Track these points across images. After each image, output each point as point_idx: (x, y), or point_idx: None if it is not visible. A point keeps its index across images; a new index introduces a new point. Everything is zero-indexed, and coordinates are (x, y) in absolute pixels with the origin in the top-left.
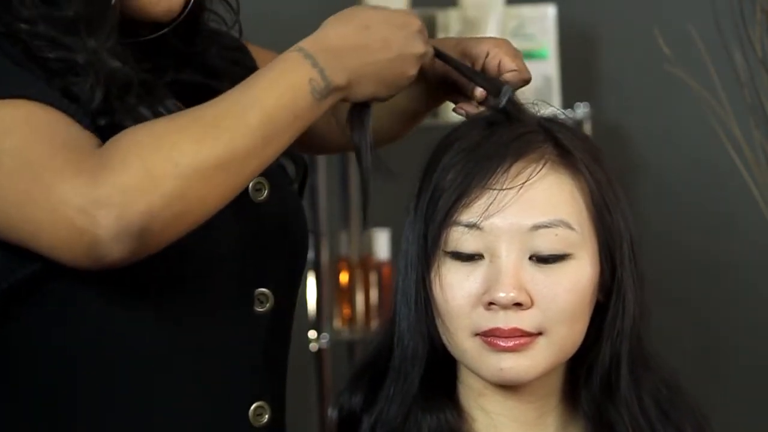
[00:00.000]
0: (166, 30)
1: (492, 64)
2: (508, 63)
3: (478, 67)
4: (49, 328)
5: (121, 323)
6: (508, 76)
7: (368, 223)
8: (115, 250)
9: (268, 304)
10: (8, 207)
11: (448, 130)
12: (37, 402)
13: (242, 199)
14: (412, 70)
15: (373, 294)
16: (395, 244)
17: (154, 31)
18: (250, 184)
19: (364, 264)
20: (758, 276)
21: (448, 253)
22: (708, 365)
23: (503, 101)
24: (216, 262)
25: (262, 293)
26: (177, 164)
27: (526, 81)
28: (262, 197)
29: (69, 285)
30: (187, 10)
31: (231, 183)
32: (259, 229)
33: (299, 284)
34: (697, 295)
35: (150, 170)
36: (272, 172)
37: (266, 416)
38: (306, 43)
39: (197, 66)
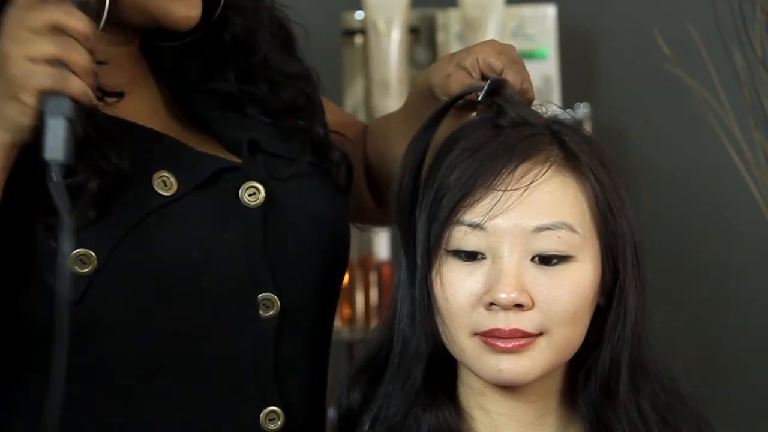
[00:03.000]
0: (187, 39)
1: (482, 68)
2: (493, 61)
3: (476, 76)
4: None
5: (128, 330)
6: (505, 74)
7: None
8: None
9: (274, 309)
10: None
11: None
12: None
13: (232, 205)
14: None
15: (373, 294)
16: (395, 244)
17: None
18: (243, 189)
19: (364, 264)
20: (758, 276)
21: (450, 252)
22: (708, 366)
23: (482, 95)
24: (213, 269)
25: (267, 298)
26: None
27: (520, 75)
28: (256, 202)
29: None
30: (215, 15)
31: None
32: (258, 234)
33: (318, 285)
34: (696, 296)
35: None
36: (277, 171)
37: (279, 422)
38: None
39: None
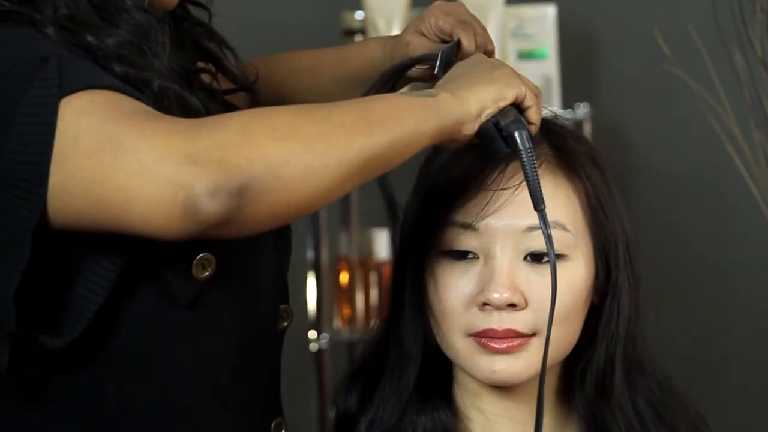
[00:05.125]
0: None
1: (435, 32)
2: (441, 24)
3: (434, 38)
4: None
5: (209, 340)
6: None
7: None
8: (212, 207)
9: (288, 320)
10: (92, 186)
11: None
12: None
13: None
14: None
15: (373, 294)
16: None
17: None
18: None
19: (364, 264)
20: (758, 276)
21: (443, 253)
22: (707, 366)
23: (437, 68)
24: (259, 276)
25: (284, 309)
26: (275, 128)
27: (471, 32)
28: None
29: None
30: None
31: (331, 168)
32: (284, 240)
33: None
34: (696, 296)
35: (248, 130)
36: None
37: (283, 431)
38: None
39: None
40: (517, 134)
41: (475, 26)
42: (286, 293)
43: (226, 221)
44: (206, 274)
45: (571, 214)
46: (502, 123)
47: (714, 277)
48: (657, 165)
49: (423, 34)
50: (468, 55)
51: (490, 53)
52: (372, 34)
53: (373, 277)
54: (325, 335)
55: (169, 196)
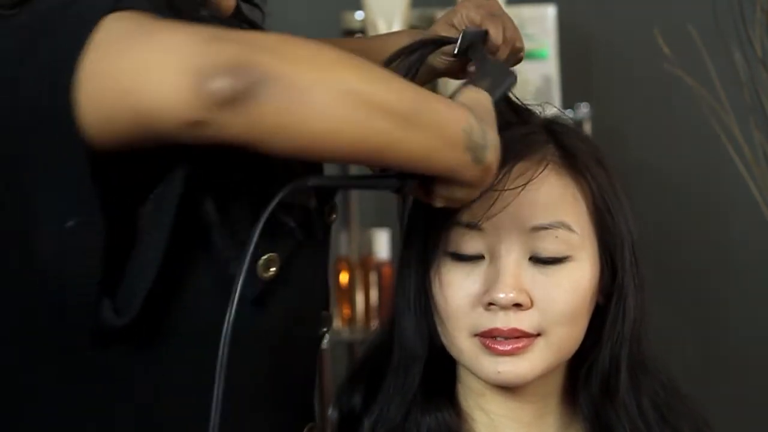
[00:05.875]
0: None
1: (466, 23)
2: (473, 15)
3: None
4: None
5: (261, 345)
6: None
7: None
8: (225, 80)
9: (327, 326)
10: (120, 62)
11: None
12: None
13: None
14: None
15: (373, 294)
16: (395, 244)
17: None
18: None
19: (364, 264)
20: (758, 276)
21: (449, 253)
22: (707, 365)
23: (456, 47)
24: (314, 279)
25: (326, 315)
26: (315, 56)
27: (500, 25)
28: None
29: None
30: None
31: (351, 109)
32: (327, 247)
33: None
34: (696, 295)
35: (288, 46)
36: None
37: None
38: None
39: None
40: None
41: (506, 20)
42: (329, 299)
43: (231, 101)
44: (270, 273)
45: (577, 215)
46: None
47: (713, 277)
48: (657, 165)
49: (453, 26)
50: (495, 47)
51: (518, 50)
52: (372, 34)
53: (373, 277)
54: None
55: (190, 62)
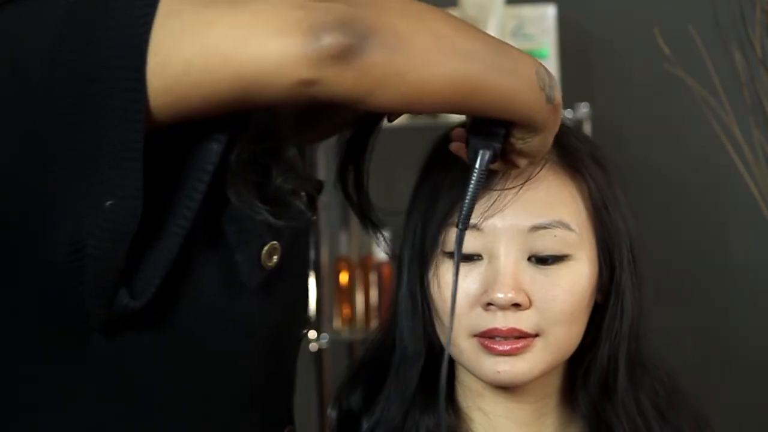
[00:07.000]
0: None
1: None
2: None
3: None
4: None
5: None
6: None
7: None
8: (335, 35)
9: (307, 328)
10: (205, 30)
11: (446, 129)
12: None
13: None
14: None
15: (373, 294)
16: (395, 244)
17: None
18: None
19: (364, 264)
20: (758, 276)
21: (447, 253)
22: (708, 365)
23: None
24: (303, 278)
25: (305, 318)
26: (408, 12)
27: None
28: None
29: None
30: None
31: (458, 62)
32: (307, 249)
33: None
34: (696, 296)
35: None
36: None
37: None
38: None
39: None
40: (480, 153)
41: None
42: (309, 301)
43: (342, 56)
44: (273, 262)
45: (575, 214)
46: (472, 139)
47: (714, 277)
48: (657, 165)
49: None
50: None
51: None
52: None
53: (373, 277)
54: (325, 335)
55: (293, 22)
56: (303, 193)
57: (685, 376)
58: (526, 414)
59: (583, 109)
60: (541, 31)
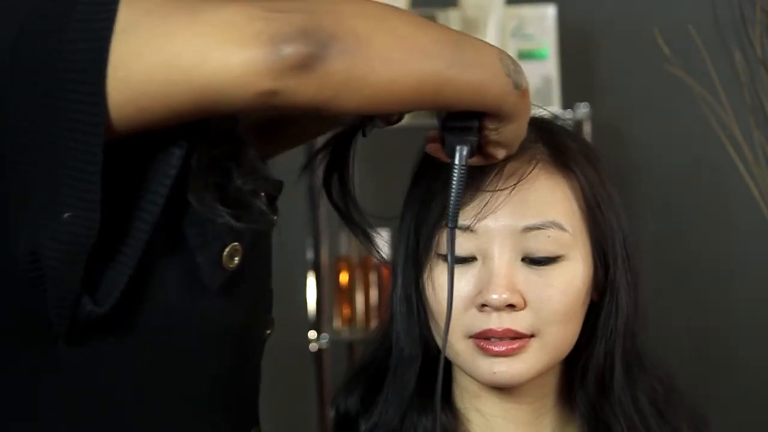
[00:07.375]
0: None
1: None
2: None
3: None
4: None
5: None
6: None
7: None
8: (296, 46)
9: (270, 329)
10: (164, 42)
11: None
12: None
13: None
14: None
15: (373, 294)
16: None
17: None
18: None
19: (364, 264)
20: (758, 276)
21: (441, 255)
22: (707, 365)
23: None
24: (266, 278)
25: (268, 318)
26: (368, 14)
27: None
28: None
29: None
30: None
31: (411, 59)
32: (270, 250)
33: None
34: (696, 296)
35: (341, 5)
36: None
37: None
38: None
39: None
40: (458, 149)
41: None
42: (272, 302)
43: (303, 66)
44: (234, 264)
45: (569, 213)
46: (447, 137)
47: (714, 277)
48: (657, 165)
49: None
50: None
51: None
52: None
53: (372, 277)
54: (325, 335)
55: (254, 34)
56: (263, 194)
57: (684, 376)
58: (524, 414)
59: (583, 109)
60: (541, 31)
